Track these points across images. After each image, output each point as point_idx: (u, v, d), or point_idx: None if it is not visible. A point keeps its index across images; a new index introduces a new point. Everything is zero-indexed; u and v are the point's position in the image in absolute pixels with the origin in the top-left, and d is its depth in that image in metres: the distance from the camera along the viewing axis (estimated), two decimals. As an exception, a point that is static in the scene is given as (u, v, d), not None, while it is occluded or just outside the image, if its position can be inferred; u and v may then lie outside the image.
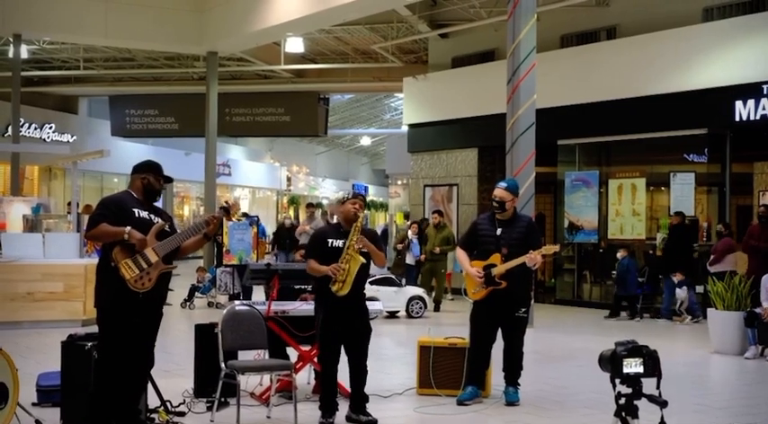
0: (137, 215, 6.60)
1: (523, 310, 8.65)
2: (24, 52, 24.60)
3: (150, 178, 6.81)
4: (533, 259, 8.37)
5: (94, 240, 6.62)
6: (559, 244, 8.94)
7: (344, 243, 7.54)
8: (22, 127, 25.12)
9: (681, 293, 15.97)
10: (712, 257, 15.58)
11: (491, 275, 8.43)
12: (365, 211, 8.17)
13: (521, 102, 14.25)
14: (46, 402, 8.00)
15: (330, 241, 7.65)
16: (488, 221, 8.79)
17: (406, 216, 27.14)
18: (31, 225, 16.55)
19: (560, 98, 18.40)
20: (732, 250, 15.52)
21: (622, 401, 4.98)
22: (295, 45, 24.45)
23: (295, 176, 49.39)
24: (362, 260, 7.50)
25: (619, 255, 16.86)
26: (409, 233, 19.19)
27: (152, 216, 6.71)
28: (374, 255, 7.70)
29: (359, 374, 7.63)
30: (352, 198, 7.79)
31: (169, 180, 6.98)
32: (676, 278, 15.89)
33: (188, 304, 17.41)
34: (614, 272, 17.08)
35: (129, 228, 6.41)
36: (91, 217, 6.63)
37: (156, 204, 6.94)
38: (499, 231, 8.60)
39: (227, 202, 6.98)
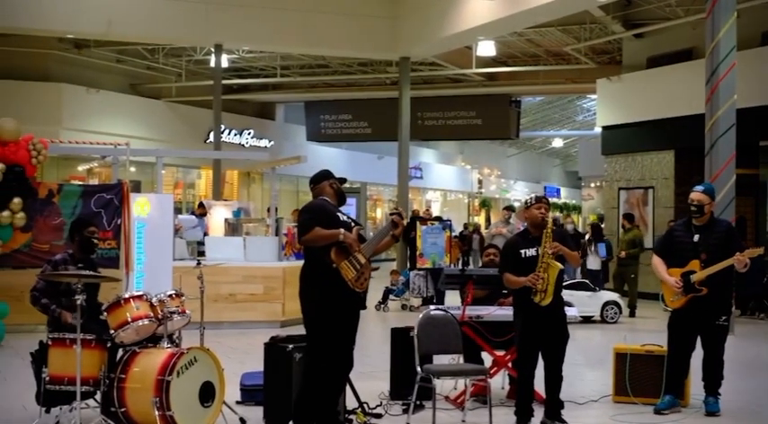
0: (341, 218, 6.80)
1: (724, 318, 8.38)
2: (225, 61, 25.56)
3: (336, 182, 7.04)
4: (741, 260, 8.13)
5: (309, 244, 6.71)
6: (762, 247, 8.64)
7: (537, 251, 7.45)
8: (222, 133, 26.07)
9: None
10: None
11: (690, 282, 8.23)
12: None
13: (720, 103, 13.83)
14: (249, 401, 8.30)
15: (523, 251, 7.57)
16: (684, 227, 8.63)
17: (600, 219, 26.70)
18: (233, 228, 17.18)
19: (763, 97, 17.65)
20: None
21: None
22: (486, 48, 24.48)
23: (486, 179, 49.35)
24: (560, 266, 7.40)
25: None
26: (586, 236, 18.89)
27: (349, 220, 6.89)
28: (568, 257, 7.61)
29: (555, 380, 7.59)
30: (536, 203, 7.65)
31: (344, 180, 7.17)
32: None
33: (382, 306, 17.71)
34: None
35: (343, 230, 6.59)
36: (302, 223, 6.80)
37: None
38: (696, 237, 8.41)
39: (396, 208, 7.18)
